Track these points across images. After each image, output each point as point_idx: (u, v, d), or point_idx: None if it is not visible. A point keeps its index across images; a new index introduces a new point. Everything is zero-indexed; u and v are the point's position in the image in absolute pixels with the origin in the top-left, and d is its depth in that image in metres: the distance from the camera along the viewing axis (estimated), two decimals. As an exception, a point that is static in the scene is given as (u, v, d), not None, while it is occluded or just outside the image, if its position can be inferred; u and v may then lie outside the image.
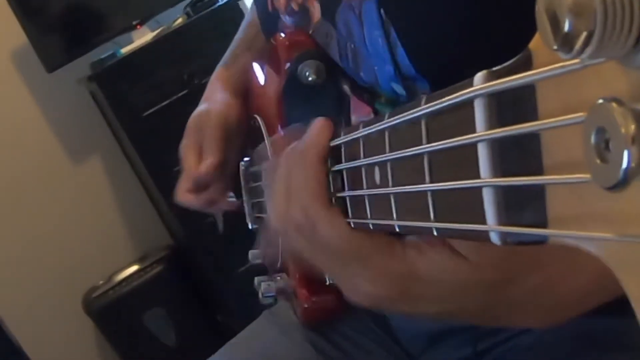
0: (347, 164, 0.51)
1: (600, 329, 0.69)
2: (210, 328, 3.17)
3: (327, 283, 0.68)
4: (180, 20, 2.95)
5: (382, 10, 0.68)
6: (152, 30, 3.01)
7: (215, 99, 1.07)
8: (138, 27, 2.99)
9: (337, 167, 0.53)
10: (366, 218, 0.50)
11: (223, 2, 2.95)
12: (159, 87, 2.84)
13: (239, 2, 2.99)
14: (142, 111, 2.84)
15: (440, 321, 0.64)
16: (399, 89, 0.72)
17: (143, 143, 2.89)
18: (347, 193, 0.53)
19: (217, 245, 2.84)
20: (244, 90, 1.08)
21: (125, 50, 2.94)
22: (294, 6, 0.84)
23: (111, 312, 3.04)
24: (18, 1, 2.86)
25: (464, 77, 0.32)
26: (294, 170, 0.55)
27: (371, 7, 0.69)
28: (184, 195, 1.09)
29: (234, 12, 2.91)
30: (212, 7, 2.93)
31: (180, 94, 2.83)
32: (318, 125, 0.55)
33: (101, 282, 3.10)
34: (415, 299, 0.53)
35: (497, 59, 0.30)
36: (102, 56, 2.93)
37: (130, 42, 2.98)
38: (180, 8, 2.99)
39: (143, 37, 2.98)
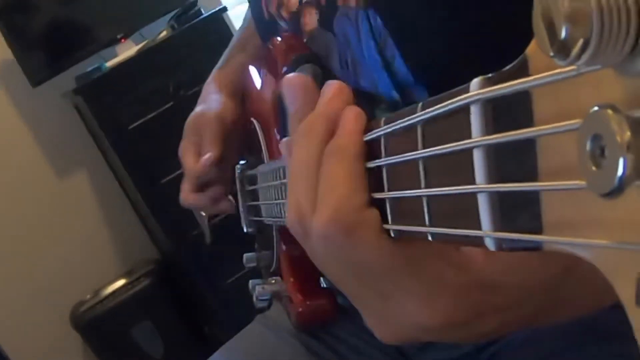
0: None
1: (599, 320, 0.68)
2: (197, 340, 3.17)
3: (322, 287, 0.68)
4: (164, 33, 2.95)
5: (378, 20, 0.68)
6: (137, 44, 3.01)
7: (211, 100, 1.07)
8: (122, 40, 2.99)
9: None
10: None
11: (207, 14, 2.95)
12: (144, 99, 2.84)
13: (223, 15, 2.99)
14: (127, 124, 2.83)
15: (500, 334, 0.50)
16: (397, 97, 0.72)
17: (129, 156, 2.89)
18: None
19: (204, 258, 2.84)
20: (239, 90, 1.08)
21: (110, 63, 2.93)
22: (284, 13, 0.84)
23: (99, 326, 3.03)
24: (2, 15, 2.86)
25: (462, 84, 0.32)
26: (328, 171, 0.45)
27: (363, 17, 0.70)
28: (188, 195, 1.08)
29: (218, 25, 2.92)
30: (196, 20, 2.93)
31: (165, 106, 2.82)
32: (351, 116, 0.46)
33: (88, 296, 3.10)
34: (488, 313, 0.43)
35: (496, 65, 0.30)
36: (87, 70, 2.93)
37: (115, 55, 2.98)
38: (165, 21, 2.99)
39: (128, 50, 2.98)
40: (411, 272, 0.43)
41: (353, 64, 0.76)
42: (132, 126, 2.84)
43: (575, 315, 0.50)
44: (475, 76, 0.31)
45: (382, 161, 0.42)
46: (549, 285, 0.43)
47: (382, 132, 0.42)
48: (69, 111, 3.16)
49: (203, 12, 2.97)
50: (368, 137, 0.44)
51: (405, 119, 0.38)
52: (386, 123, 0.41)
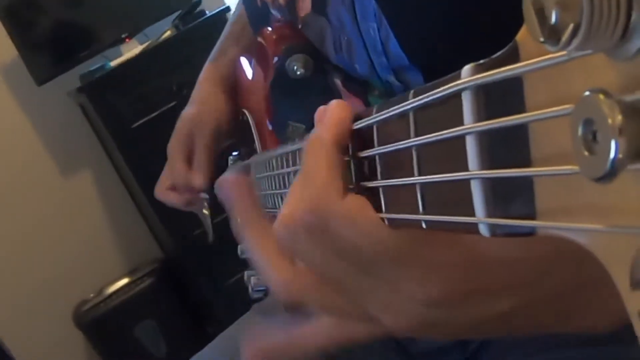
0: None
1: None
2: (200, 340, 3.15)
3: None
4: (168, 33, 2.96)
5: (372, 1, 0.68)
6: (141, 43, 3.01)
7: (207, 102, 1.07)
8: (127, 40, 3.00)
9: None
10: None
11: (211, 14, 2.95)
12: (148, 98, 2.85)
13: (227, 15, 3.00)
14: (131, 123, 2.84)
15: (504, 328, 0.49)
16: (392, 79, 0.72)
17: (133, 154, 2.89)
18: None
19: (207, 257, 2.84)
20: (233, 84, 1.08)
21: (114, 63, 2.94)
22: (281, 1, 0.84)
23: (102, 325, 3.03)
24: (8, 14, 2.87)
25: (457, 66, 0.32)
26: (307, 161, 0.45)
27: None
28: (163, 193, 1.10)
29: (222, 25, 2.88)
30: (200, 20, 2.93)
31: (169, 105, 2.83)
32: (334, 106, 0.46)
33: (92, 295, 3.10)
34: (484, 294, 0.42)
35: (491, 48, 0.30)
36: (92, 69, 2.93)
37: (119, 55, 2.99)
38: (169, 21, 3.00)
39: (132, 50, 2.98)
40: (400, 257, 0.41)
41: (348, 48, 0.76)
42: (136, 125, 2.84)
43: (572, 329, 0.47)
44: (471, 58, 0.31)
45: (373, 151, 0.42)
46: (561, 265, 0.40)
47: (374, 120, 0.42)
48: (74, 110, 3.16)
49: (207, 12, 2.97)
50: (360, 124, 0.44)
51: (397, 106, 0.38)
52: (378, 111, 0.41)
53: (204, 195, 1.11)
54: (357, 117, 0.45)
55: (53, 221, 3.21)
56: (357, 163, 0.45)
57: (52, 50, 2.98)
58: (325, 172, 0.43)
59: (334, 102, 0.46)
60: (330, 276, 0.46)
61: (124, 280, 3.11)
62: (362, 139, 0.44)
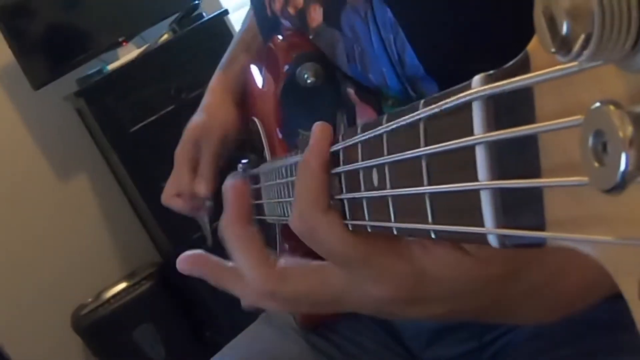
0: (345, 167, 0.50)
1: (602, 310, 0.68)
2: (199, 344, 3.16)
3: None
4: (166, 36, 2.95)
5: (388, 12, 0.68)
6: (138, 47, 3.01)
7: (215, 111, 1.07)
8: (124, 43, 3.00)
9: (335, 170, 0.52)
10: (364, 220, 0.49)
11: (209, 17, 2.95)
12: (145, 102, 2.84)
13: (225, 18, 3.00)
14: (129, 127, 2.83)
15: (443, 321, 0.61)
16: (407, 90, 0.72)
17: (130, 159, 2.89)
18: (345, 195, 0.52)
19: (205, 261, 2.84)
20: (245, 94, 1.08)
21: (111, 66, 2.94)
22: (291, 10, 0.84)
23: (100, 330, 3.02)
24: (4, 18, 2.86)
25: (472, 76, 0.32)
26: (298, 180, 0.54)
27: (383, 10, 0.69)
28: (170, 199, 1.10)
29: (220, 28, 2.92)
30: (198, 23, 2.93)
31: (167, 109, 2.83)
32: (317, 132, 0.54)
33: (89, 299, 3.09)
34: (424, 299, 0.51)
35: (507, 57, 0.30)
36: (88, 73, 2.93)
37: (116, 58, 2.99)
38: (166, 24, 2.99)
39: (129, 53, 2.98)
40: (363, 261, 0.51)
41: (361, 59, 0.76)
42: (134, 129, 2.84)
43: (544, 316, 0.57)
44: (486, 68, 0.31)
45: (384, 159, 0.42)
46: (492, 283, 0.49)
47: (384, 130, 0.42)
48: (71, 114, 3.16)
49: (204, 15, 2.97)
50: (369, 135, 0.44)
51: (408, 116, 0.38)
52: (389, 120, 0.41)
53: (209, 203, 1.11)
54: (366, 128, 0.45)
55: (50, 226, 3.21)
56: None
57: (48, 54, 2.98)
58: (310, 194, 0.52)
59: (316, 126, 0.54)
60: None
61: (122, 285, 3.11)
62: (372, 148, 0.44)
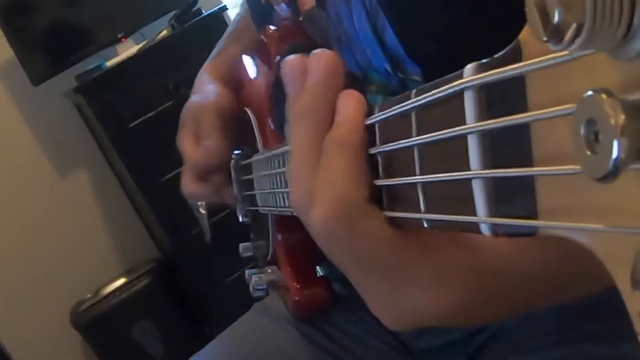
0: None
1: (591, 298, 0.68)
2: (197, 340, 3.15)
3: (318, 275, 0.68)
4: (164, 32, 2.95)
5: None
6: (137, 43, 3.01)
7: (205, 90, 1.06)
8: (123, 39, 2.99)
9: None
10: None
11: (207, 13, 2.95)
12: (144, 98, 2.84)
13: (224, 14, 3.00)
14: (128, 122, 2.83)
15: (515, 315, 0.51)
16: (390, 70, 0.71)
17: (129, 154, 2.89)
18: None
19: (204, 257, 2.84)
20: (233, 79, 1.07)
21: (110, 63, 2.94)
22: None
23: (99, 326, 3.02)
24: (3, 14, 2.86)
25: (453, 58, 0.32)
26: (329, 164, 0.43)
27: None
28: (189, 185, 1.06)
29: (219, 24, 2.92)
30: (197, 19, 2.93)
31: (166, 105, 2.83)
32: (353, 103, 0.45)
33: (88, 295, 3.09)
34: (497, 296, 0.43)
35: (492, 42, 0.30)
36: (88, 69, 2.93)
37: (116, 54, 2.98)
38: (165, 20, 2.99)
39: (128, 49, 2.98)
40: (419, 262, 0.42)
41: (347, 42, 0.76)
42: (133, 125, 2.84)
43: (570, 299, 0.49)
44: (468, 51, 0.31)
45: (377, 149, 0.42)
46: (550, 272, 0.42)
47: (376, 120, 0.42)
48: (70, 110, 3.16)
49: (203, 11, 2.97)
50: (370, 121, 0.44)
51: (400, 105, 0.38)
52: (381, 109, 0.41)
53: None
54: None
55: (49, 221, 3.21)
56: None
57: (48, 50, 2.98)
58: (352, 179, 0.42)
59: (351, 96, 0.45)
60: (342, 268, 0.47)
61: (121, 281, 3.11)
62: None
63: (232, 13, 3.11)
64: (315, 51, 0.47)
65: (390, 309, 0.46)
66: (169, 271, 3.21)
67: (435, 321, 0.44)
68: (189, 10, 2.97)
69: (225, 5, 3.03)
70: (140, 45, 2.96)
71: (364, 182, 0.42)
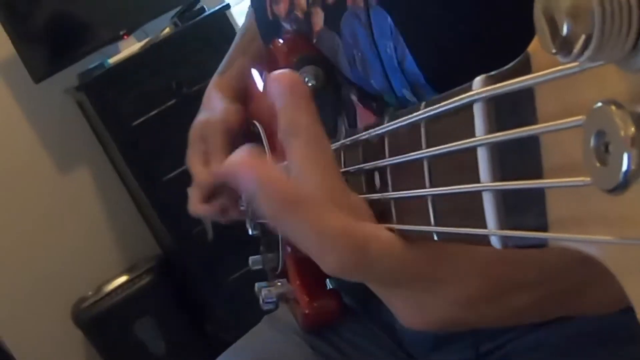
0: (346, 168, 0.49)
1: (607, 325, 0.68)
2: (199, 338, 3.17)
3: (328, 288, 0.67)
4: (167, 30, 2.95)
5: (388, 19, 0.68)
6: (140, 41, 3.01)
7: (214, 107, 1.06)
8: (125, 37, 2.99)
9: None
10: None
11: (210, 11, 2.95)
12: (147, 96, 2.84)
13: (227, 12, 2.99)
14: (130, 121, 2.83)
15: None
16: (409, 95, 0.71)
17: (131, 152, 2.89)
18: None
19: (206, 255, 2.84)
20: (242, 94, 1.07)
21: (112, 60, 2.93)
22: (298, 14, 0.84)
23: (100, 323, 3.03)
24: (5, 12, 2.86)
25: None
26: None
27: (383, 16, 0.69)
28: (196, 206, 1.06)
29: (222, 22, 2.92)
30: (199, 17, 2.93)
31: (168, 103, 2.83)
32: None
33: (90, 292, 3.10)
34: (510, 288, 0.44)
35: (506, 64, 0.30)
36: (90, 66, 2.93)
37: (118, 52, 2.98)
38: (167, 18, 2.99)
39: (130, 47, 2.98)
40: (435, 267, 0.43)
41: (362, 64, 0.75)
42: (135, 123, 2.84)
43: (580, 313, 0.50)
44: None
45: (386, 161, 0.42)
46: (568, 268, 0.43)
47: (384, 130, 0.42)
48: (72, 107, 3.16)
49: (206, 9, 2.97)
50: (372, 133, 0.44)
51: (408, 116, 0.38)
52: (390, 121, 0.41)
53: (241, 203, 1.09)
54: (367, 128, 0.45)
55: (51, 219, 3.21)
56: (366, 174, 0.45)
57: (49, 47, 2.98)
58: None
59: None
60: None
61: (123, 278, 3.11)
62: (374, 150, 0.44)
63: (235, 11, 3.11)
64: (272, 74, 0.48)
65: (413, 308, 0.47)
66: (170, 269, 3.21)
67: (457, 314, 0.45)
68: (192, 7, 2.97)
69: (228, 4, 3.02)
70: (143, 43, 2.96)
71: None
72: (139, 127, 2.84)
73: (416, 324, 0.48)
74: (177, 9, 2.98)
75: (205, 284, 3.01)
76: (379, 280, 0.45)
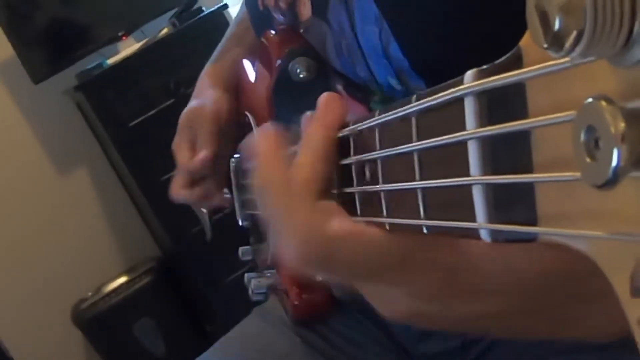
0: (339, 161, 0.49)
1: None
2: (199, 338, 3.16)
3: (318, 279, 0.67)
4: (165, 30, 2.95)
5: (373, 5, 0.68)
6: (138, 41, 3.01)
7: (205, 95, 1.06)
8: (124, 37, 3.00)
9: None
10: (356, 216, 0.46)
11: (208, 12, 2.95)
12: (145, 97, 2.84)
13: (224, 12, 2.99)
14: (128, 121, 2.83)
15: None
16: (395, 83, 0.71)
17: (130, 153, 2.89)
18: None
19: (205, 255, 2.84)
20: (234, 84, 1.07)
21: (111, 61, 2.93)
22: (282, 4, 0.84)
23: (100, 324, 3.03)
24: (4, 13, 2.86)
25: (457, 71, 0.32)
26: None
27: (368, 2, 0.69)
28: (178, 191, 1.08)
29: (219, 22, 2.92)
30: (197, 17, 2.93)
31: (166, 104, 2.83)
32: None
33: (89, 293, 3.09)
34: (471, 294, 0.44)
35: (493, 55, 0.30)
36: (88, 67, 2.92)
37: (116, 52, 2.98)
38: (166, 18, 2.99)
39: (129, 47, 2.98)
40: (400, 261, 0.44)
41: (349, 53, 0.76)
42: (133, 123, 2.84)
43: (573, 336, 0.50)
44: (470, 63, 0.31)
45: (377, 154, 0.42)
46: (548, 287, 0.42)
47: (375, 123, 0.42)
48: (70, 108, 3.16)
49: (204, 9, 2.97)
50: (363, 126, 0.44)
51: (399, 109, 0.38)
52: (381, 114, 0.41)
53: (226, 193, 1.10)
54: (359, 121, 0.45)
55: (50, 220, 3.21)
56: (357, 168, 0.45)
57: (48, 48, 2.98)
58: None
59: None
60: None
61: (122, 279, 3.11)
62: (364, 142, 0.44)
63: (233, 11, 3.10)
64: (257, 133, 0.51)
65: (388, 304, 0.49)
66: (169, 269, 3.21)
67: (419, 307, 0.46)
68: (190, 8, 2.97)
69: (226, 4, 3.02)
70: (141, 44, 2.96)
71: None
72: (137, 127, 2.84)
73: (389, 316, 0.50)
74: (175, 9, 2.98)
75: (204, 284, 3.01)
76: (345, 274, 0.47)
